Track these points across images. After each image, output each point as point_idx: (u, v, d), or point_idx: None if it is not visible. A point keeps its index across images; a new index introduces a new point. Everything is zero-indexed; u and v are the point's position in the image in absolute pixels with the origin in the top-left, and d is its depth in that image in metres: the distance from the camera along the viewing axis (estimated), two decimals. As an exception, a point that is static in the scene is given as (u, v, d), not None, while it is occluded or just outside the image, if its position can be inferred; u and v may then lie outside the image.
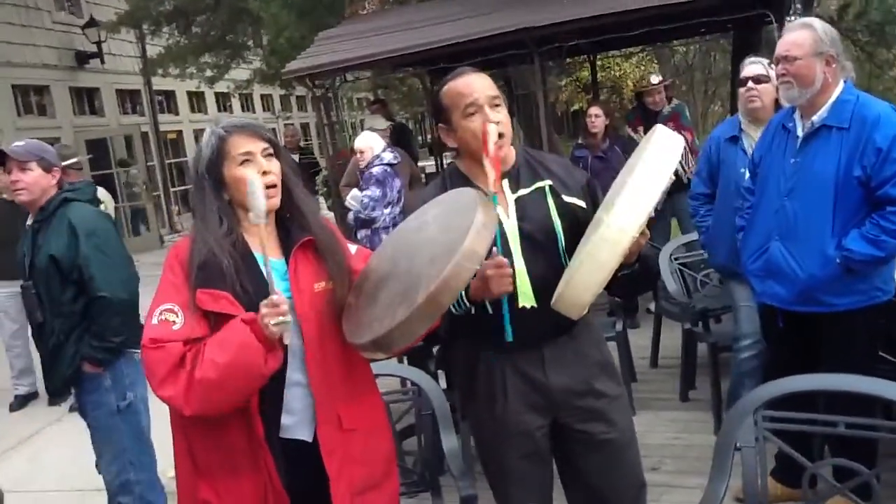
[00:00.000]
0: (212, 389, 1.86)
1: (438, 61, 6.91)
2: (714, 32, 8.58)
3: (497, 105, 2.20)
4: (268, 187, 2.03)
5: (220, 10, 10.19)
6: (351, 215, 5.93)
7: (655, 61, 18.29)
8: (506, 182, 2.25)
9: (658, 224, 6.22)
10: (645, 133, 6.21)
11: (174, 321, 1.93)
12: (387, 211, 5.79)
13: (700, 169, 3.98)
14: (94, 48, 14.43)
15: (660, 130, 2.01)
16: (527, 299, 2.19)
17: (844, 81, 2.91)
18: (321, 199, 8.80)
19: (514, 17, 6.44)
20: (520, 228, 2.21)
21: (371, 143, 5.91)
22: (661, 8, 5.77)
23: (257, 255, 2.05)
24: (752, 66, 3.65)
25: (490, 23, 6.53)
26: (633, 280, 2.18)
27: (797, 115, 2.99)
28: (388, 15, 8.33)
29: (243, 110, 21.51)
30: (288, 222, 2.14)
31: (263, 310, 1.87)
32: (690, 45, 15.72)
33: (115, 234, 3.40)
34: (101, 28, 13.75)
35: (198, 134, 16.46)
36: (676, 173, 5.92)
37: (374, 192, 5.72)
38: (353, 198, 5.86)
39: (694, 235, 4.55)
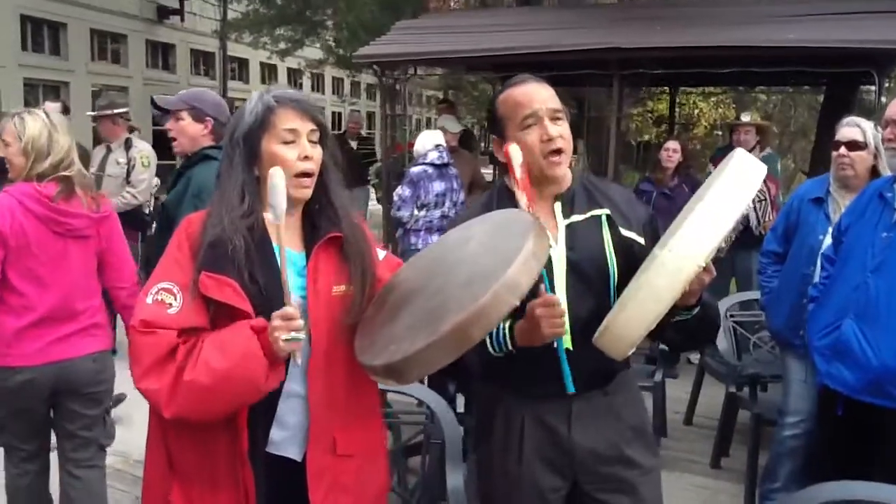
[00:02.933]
0: (200, 395, 1.65)
1: (512, 69, 6.67)
2: (805, 84, 8.21)
3: (559, 118, 1.97)
4: (304, 175, 1.83)
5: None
6: (393, 211, 5.74)
7: (734, 105, 17.78)
8: (558, 205, 2.02)
9: (717, 282, 5.90)
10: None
11: (170, 304, 1.72)
12: (421, 213, 5.57)
13: (777, 225, 3.71)
14: (175, 4, 14.51)
15: (739, 153, 1.76)
16: (565, 340, 1.93)
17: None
18: (371, 190, 8.63)
19: (600, 35, 6.18)
20: (568, 259, 1.96)
21: (422, 142, 5.70)
22: (755, 50, 5.45)
23: (274, 245, 1.83)
24: (848, 130, 3.34)
25: (573, 37, 6.28)
26: (689, 328, 1.92)
27: (898, 186, 2.69)
28: (470, 15, 8.14)
29: (313, 90, 21.57)
30: (316, 215, 1.92)
31: (275, 321, 1.67)
32: (774, 94, 15.23)
33: None
34: (186, -15, 13.84)
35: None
36: (748, 223, 5.65)
37: (404, 191, 5.54)
38: (396, 194, 5.68)
39: (752, 294, 4.25)
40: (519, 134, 1.97)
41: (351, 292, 1.86)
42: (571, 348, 1.92)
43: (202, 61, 16.66)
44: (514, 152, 1.91)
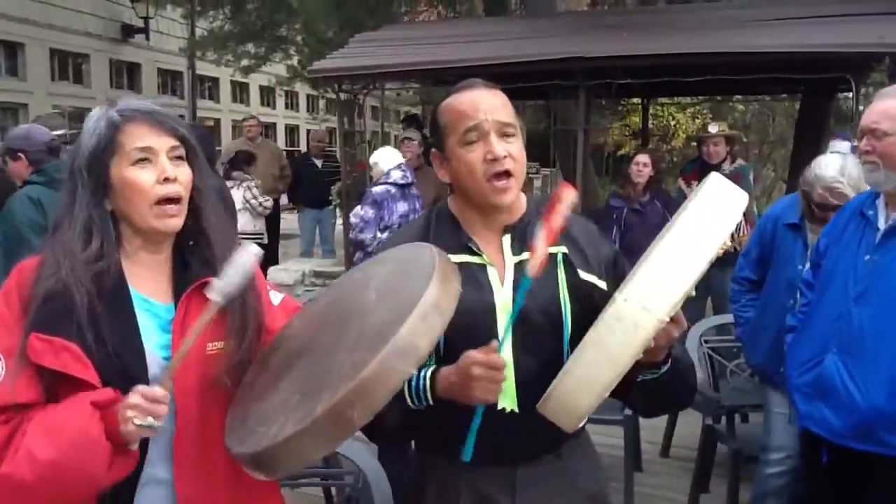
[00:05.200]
0: (20, 493, 1.31)
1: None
2: (781, 92, 7.97)
3: (509, 134, 1.63)
4: (166, 201, 1.49)
5: (264, -1, 9.83)
6: (352, 234, 5.40)
7: (710, 115, 17.60)
8: (507, 239, 1.68)
9: (692, 301, 5.62)
10: (698, 188, 5.72)
11: None
12: (383, 236, 5.23)
13: (749, 249, 3.42)
14: (141, 23, 14.17)
15: (714, 179, 1.45)
16: (507, 400, 1.60)
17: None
18: (337, 211, 8.28)
19: (565, 44, 5.90)
20: (514, 303, 1.62)
21: (379, 159, 5.37)
22: (726, 56, 5.18)
23: (134, 292, 1.49)
24: (834, 180, 2.93)
25: (538, 47, 6.00)
26: (657, 390, 1.61)
27: (880, 202, 2.39)
28: (433, 26, 7.87)
29: (287, 108, 21.22)
30: (188, 253, 1.58)
31: (134, 397, 1.33)
32: (751, 102, 15.05)
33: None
34: (150, 3, 13.46)
35: (236, 125, 16.10)
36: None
37: (367, 212, 5.19)
38: (354, 215, 5.34)
39: (728, 317, 3.95)
40: (460, 151, 1.63)
41: (231, 350, 1.53)
42: (517, 409, 1.59)
43: (170, 81, 16.32)
44: (567, 196, 1.49)
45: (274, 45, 10.75)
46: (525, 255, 1.66)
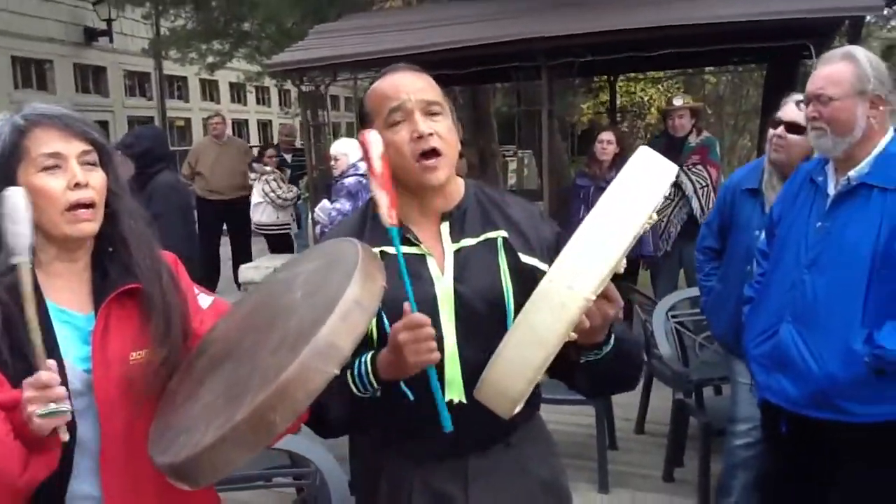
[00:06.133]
0: None
1: (440, 67, 6.32)
2: (750, 62, 7.94)
3: (434, 113, 1.59)
4: (80, 206, 1.44)
5: (224, -7, 9.71)
6: (318, 229, 5.33)
7: (682, 89, 17.59)
8: (445, 226, 1.65)
9: (664, 274, 5.61)
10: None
11: None
12: None
13: (711, 219, 3.40)
14: (104, 25, 13.96)
15: (639, 152, 1.41)
16: (454, 391, 1.57)
17: (895, 129, 2.29)
18: (306, 206, 8.23)
19: (526, 25, 5.84)
20: (456, 292, 1.59)
21: (346, 150, 5.31)
22: (685, 28, 5.14)
23: (51, 304, 1.45)
24: (792, 110, 2.97)
25: (498, 29, 5.93)
26: (601, 370, 1.57)
27: (830, 168, 2.37)
28: (393, 13, 7.78)
29: (258, 103, 21.04)
30: (107, 260, 1.54)
31: (27, 391, 1.27)
32: (720, 74, 15.04)
33: None
34: (111, 4, 13.27)
35: (207, 123, 15.96)
36: (692, 214, 5.35)
37: (344, 205, 5.11)
38: (322, 210, 5.26)
39: (696, 291, 3.93)
40: (386, 133, 1.59)
41: (152, 357, 1.48)
42: (466, 400, 1.55)
43: (137, 82, 16.11)
44: (374, 139, 1.52)
45: (239, 40, 10.63)
46: (465, 242, 1.64)
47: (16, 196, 1.36)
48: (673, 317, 4.15)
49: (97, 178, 1.48)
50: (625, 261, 1.39)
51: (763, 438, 2.72)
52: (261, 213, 7.85)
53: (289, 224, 7.74)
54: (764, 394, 2.46)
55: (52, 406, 1.27)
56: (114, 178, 1.53)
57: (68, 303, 1.48)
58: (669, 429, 3.95)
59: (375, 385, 1.53)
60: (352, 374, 1.54)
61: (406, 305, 1.44)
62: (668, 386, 4.13)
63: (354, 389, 1.54)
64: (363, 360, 1.53)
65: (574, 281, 1.28)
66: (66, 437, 1.32)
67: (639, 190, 1.34)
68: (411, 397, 1.54)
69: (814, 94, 2.29)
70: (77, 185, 1.43)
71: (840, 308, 2.23)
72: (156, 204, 4.19)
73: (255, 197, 7.83)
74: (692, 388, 3.73)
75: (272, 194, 7.54)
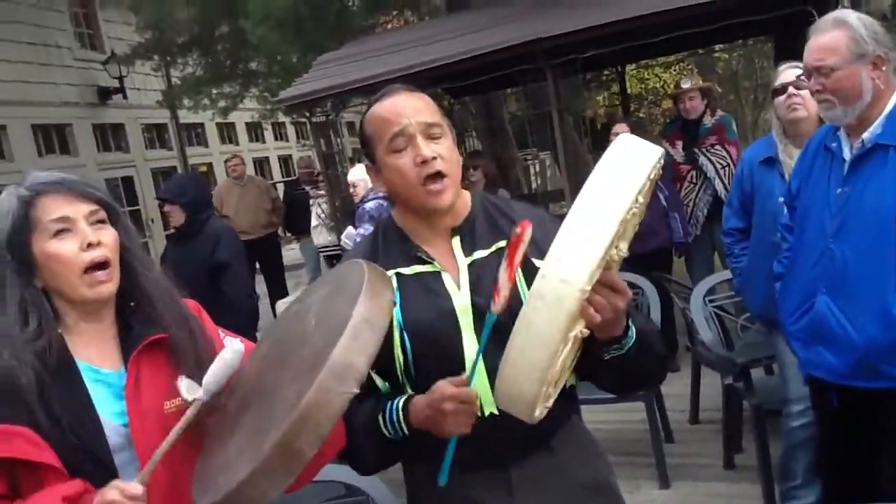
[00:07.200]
0: None
1: (446, 80, 6.35)
2: (757, 35, 7.84)
3: (435, 136, 1.60)
4: (96, 267, 1.47)
5: (227, 38, 9.82)
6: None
7: (695, 69, 17.45)
8: (457, 241, 1.65)
9: (698, 260, 5.53)
10: (684, 149, 5.49)
11: None
12: None
13: (731, 199, 3.36)
14: (115, 83, 14.22)
15: (620, 139, 1.39)
16: (486, 403, 1.56)
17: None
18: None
19: (523, 28, 5.84)
20: (474, 306, 1.59)
21: (364, 176, 5.33)
22: (677, 11, 5.10)
23: (81, 363, 1.47)
24: (791, 72, 2.98)
25: (497, 36, 5.94)
26: (627, 365, 1.55)
27: (842, 133, 2.33)
28: (392, 34, 7.82)
29: (276, 139, 21.26)
30: (129, 314, 1.56)
31: (110, 494, 1.30)
32: (729, 51, 14.88)
33: None
34: (120, 62, 13.52)
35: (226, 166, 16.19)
36: (717, 195, 5.28)
37: (367, 229, 5.11)
38: (348, 236, 5.29)
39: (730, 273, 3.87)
40: (389, 159, 1.61)
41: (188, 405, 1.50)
42: (496, 412, 1.54)
43: (155, 134, 16.36)
44: (528, 234, 1.43)
45: (247, 81, 10.78)
46: (478, 255, 1.64)
47: (235, 353, 1.47)
48: (711, 301, 4.08)
49: (108, 235, 1.50)
50: (623, 247, 1.38)
51: (815, 415, 2.66)
52: (318, 235, 8.12)
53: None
54: (808, 369, 2.42)
55: None
56: (124, 233, 1.56)
57: (98, 361, 1.50)
58: (722, 415, 3.89)
59: (406, 432, 1.54)
60: (383, 417, 1.55)
61: (464, 377, 1.45)
62: (716, 371, 4.08)
63: (385, 433, 1.56)
64: (394, 406, 1.55)
65: (566, 273, 1.25)
66: None
67: (618, 173, 1.31)
68: None
69: (813, 66, 2.26)
70: (90, 246, 1.46)
71: (872, 272, 2.19)
72: (222, 251, 4.19)
73: (313, 220, 8.17)
74: (739, 371, 3.65)
75: (324, 216, 7.77)
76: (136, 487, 1.32)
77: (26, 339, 1.42)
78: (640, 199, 1.36)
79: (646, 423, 3.81)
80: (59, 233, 1.46)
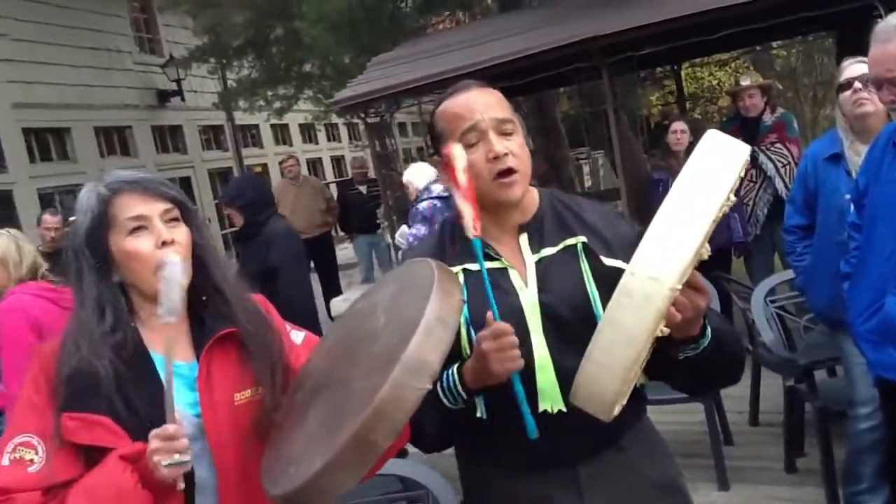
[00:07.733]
0: None
1: (500, 80, 6.32)
2: (819, 31, 7.66)
3: (507, 132, 1.62)
4: None
5: (282, 40, 9.98)
6: (399, 255, 5.40)
7: (751, 67, 17.12)
8: (524, 238, 1.66)
9: (758, 260, 5.43)
10: (744, 147, 5.46)
11: (31, 459, 1.42)
12: None
13: (794, 195, 3.30)
14: (174, 86, 14.53)
15: (709, 136, 1.38)
16: (551, 400, 1.56)
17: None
18: (388, 234, 8.36)
19: (578, 26, 5.80)
20: (542, 303, 1.59)
21: (411, 177, 5.36)
22: (735, 8, 5.01)
23: (156, 356, 1.52)
24: (859, 66, 2.90)
25: (552, 35, 5.91)
26: (703, 366, 1.54)
27: (914, 128, 2.26)
28: (446, 34, 7.85)
29: (329, 140, 21.48)
30: (201, 308, 1.60)
31: (153, 443, 1.35)
32: (788, 47, 14.56)
33: None
34: (178, 65, 13.81)
35: (281, 167, 16.41)
36: (777, 194, 5.18)
37: (420, 229, 5.14)
38: (401, 235, 5.33)
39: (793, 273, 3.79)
40: None
41: (259, 397, 1.54)
42: (565, 408, 1.54)
43: (212, 136, 16.67)
44: (458, 153, 1.54)
45: (301, 83, 10.91)
46: (546, 252, 1.64)
47: (172, 264, 1.46)
48: (772, 301, 4.01)
49: (181, 233, 1.55)
50: (708, 247, 1.37)
51: (884, 416, 2.60)
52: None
53: None
54: (877, 371, 2.36)
55: (177, 457, 1.35)
56: (197, 231, 1.61)
57: (174, 352, 1.54)
58: (784, 417, 3.82)
59: (464, 395, 1.55)
60: (441, 387, 1.56)
61: (489, 315, 1.46)
62: (776, 373, 4.00)
63: (445, 402, 1.56)
64: (450, 371, 1.56)
65: (656, 271, 1.25)
66: (182, 485, 1.38)
67: (711, 171, 1.31)
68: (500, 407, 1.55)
69: (884, 77, 2.19)
70: (164, 244, 1.51)
71: (945, 271, 2.13)
72: (272, 257, 4.25)
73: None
74: (802, 373, 3.58)
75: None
76: (168, 427, 1.36)
77: (103, 333, 1.48)
78: (733, 198, 1.35)
79: (705, 424, 3.77)
80: (135, 230, 1.51)
